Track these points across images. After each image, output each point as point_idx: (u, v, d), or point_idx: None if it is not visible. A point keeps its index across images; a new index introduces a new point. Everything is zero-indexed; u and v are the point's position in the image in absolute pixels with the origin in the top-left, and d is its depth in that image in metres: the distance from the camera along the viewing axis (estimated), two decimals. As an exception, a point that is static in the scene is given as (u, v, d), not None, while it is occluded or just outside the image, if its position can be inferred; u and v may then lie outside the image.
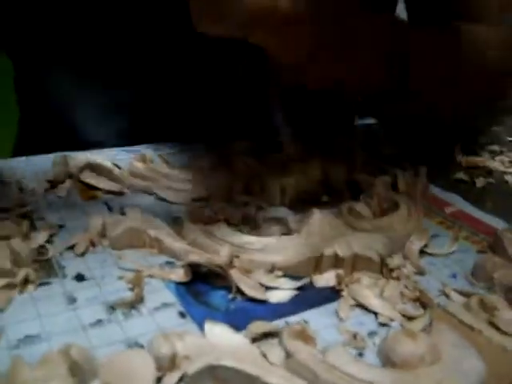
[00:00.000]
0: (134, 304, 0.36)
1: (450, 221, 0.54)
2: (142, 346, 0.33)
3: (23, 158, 0.58)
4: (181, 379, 0.30)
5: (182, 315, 0.36)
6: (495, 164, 0.70)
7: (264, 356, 0.31)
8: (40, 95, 0.69)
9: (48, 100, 0.68)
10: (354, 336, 0.35)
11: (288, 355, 0.31)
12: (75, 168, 0.54)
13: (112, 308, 0.36)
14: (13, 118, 0.71)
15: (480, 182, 0.64)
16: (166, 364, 0.30)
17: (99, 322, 0.35)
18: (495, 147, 0.77)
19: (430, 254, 0.47)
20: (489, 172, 0.68)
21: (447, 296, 0.41)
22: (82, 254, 0.41)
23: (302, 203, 0.51)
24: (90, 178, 0.53)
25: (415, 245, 0.46)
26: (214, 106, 0.70)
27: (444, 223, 0.53)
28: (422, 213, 0.52)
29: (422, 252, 0.47)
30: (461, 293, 0.41)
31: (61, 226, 0.45)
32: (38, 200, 0.50)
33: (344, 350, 0.33)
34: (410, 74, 0.58)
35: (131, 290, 0.38)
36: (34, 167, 0.55)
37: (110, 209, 0.49)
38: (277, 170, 0.54)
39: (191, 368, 0.30)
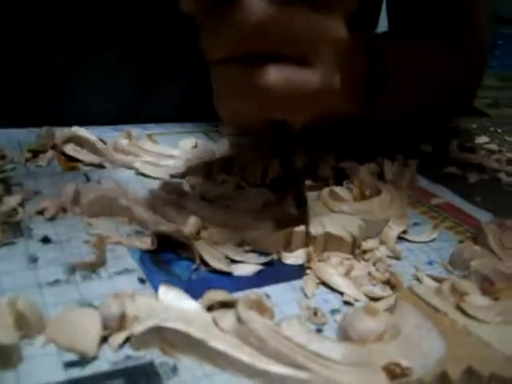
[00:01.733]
0: (95, 267, 0.36)
1: (435, 211, 0.53)
2: (95, 308, 0.32)
3: (8, 129, 0.57)
4: (127, 339, 0.30)
5: (142, 281, 0.35)
6: (490, 162, 0.69)
7: (215, 322, 0.30)
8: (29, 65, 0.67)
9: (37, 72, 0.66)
10: (315, 312, 0.35)
11: (240, 323, 0.31)
12: (59, 140, 0.53)
13: (72, 269, 0.35)
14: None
15: (473, 177, 0.63)
16: (115, 324, 0.30)
17: (56, 281, 0.34)
18: (493, 146, 0.76)
19: (409, 241, 0.46)
20: (483, 169, 0.67)
21: (419, 281, 0.40)
22: (52, 219, 0.41)
23: (283, 185, 0.50)
24: (72, 150, 0.53)
25: (393, 230, 0.45)
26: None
27: (428, 213, 0.52)
28: (405, 201, 0.51)
29: (401, 238, 0.46)
30: (434, 278, 0.40)
31: (36, 193, 0.45)
32: (17, 168, 0.49)
33: (299, 322, 0.32)
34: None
35: (95, 254, 0.37)
36: (18, 138, 0.55)
37: (88, 180, 0.49)
38: (260, 150, 0.53)
39: (138, 328, 0.29)
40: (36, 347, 0.29)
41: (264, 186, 0.50)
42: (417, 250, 0.45)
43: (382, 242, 0.44)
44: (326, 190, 0.48)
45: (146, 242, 0.39)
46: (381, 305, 0.36)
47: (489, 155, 0.72)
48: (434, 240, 0.47)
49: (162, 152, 0.52)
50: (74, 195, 0.43)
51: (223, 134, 0.62)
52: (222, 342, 0.29)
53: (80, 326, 0.30)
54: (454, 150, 0.72)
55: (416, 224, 0.49)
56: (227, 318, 0.31)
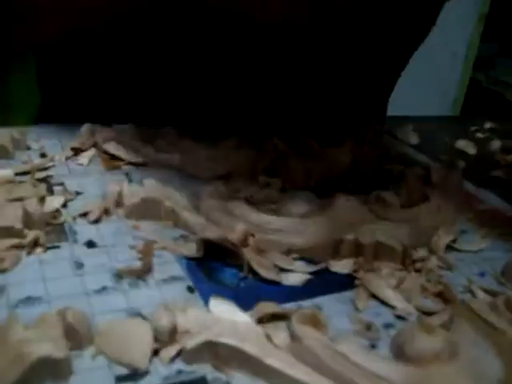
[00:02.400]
0: (142, 274, 0.35)
1: (482, 218, 0.51)
2: (144, 317, 0.31)
3: (49, 126, 0.57)
4: (179, 353, 0.29)
5: (191, 290, 0.35)
6: (536, 165, 0.67)
7: (268, 337, 0.30)
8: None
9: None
10: (368, 327, 0.33)
11: (294, 339, 0.30)
12: (100, 138, 0.53)
13: (118, 276, 0.35)
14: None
15: (519, 181, 0.61)
16: (166, 336, 0.29)
17: (104, 289, 0.34)
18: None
19: (458, 250, 0.44)
20: (529, 173, 0.65)
21: (473, 293, 0.39)
22: (96, 222, 0.40)
23: (327, 189, 0.49)
24: (114, 149, 0.52)
25: (442, 238, 0.44)
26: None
27: (475, 220, 0.50)
28: (452, 207, 0.49)
29: (450, 247, 0.44)
30: (487, 291, 0.39)
31: (78, 193, 0.44)
32: (58, 166, 0.49)
33: (355, 339, 0.31)
34: None
35: (141, 260, 0.36)
36: (60, 135, 0.55)
37: (130, 180, 0.48)
38: (304, 152, 0.52)
39: (190, 343, 0.28)
40: (86, 360, 0.28)
41: (308, 190, 0.49)
42: (467, 259, 0.44)
43: (430, 251, 0.43)
44: (373, 195, 0.47)
45: (193, 249, 0.38)
46: (435, 320, 0.35)
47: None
48: (483, 249, 0.45)
49: (204, 153, 0.51)
50: (117, 197, 0.42)
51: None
52: (277, 360, 0.28)
53: (131, 338, 0.29)
54: (497, 151, 0.70)
55: (463, 232, 0.47)
56: (280, 334, 0.30)
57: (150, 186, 0.44)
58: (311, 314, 0.32)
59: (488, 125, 0.81)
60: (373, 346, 0.32)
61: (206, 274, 0.36)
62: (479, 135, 0.76)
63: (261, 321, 0.32)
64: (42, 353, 0.26)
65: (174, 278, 0.35)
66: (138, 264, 0.36)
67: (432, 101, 1.92)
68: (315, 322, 0.31)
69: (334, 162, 0.53)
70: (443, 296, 0.37)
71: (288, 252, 0.39)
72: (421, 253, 0.41)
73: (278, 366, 0.28)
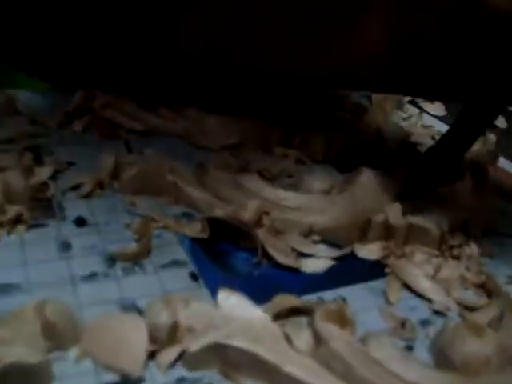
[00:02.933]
0: (138, 258, 0.30)
1: (522, 198, 0.46)
2: (139, 310, 0.27)
3: (43, 92, 0.51)
4: (180, 357, 0.24)
5: (194, 277, 0.30)
6: None
7: (288, 339, 0.25)
8: None
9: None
10: (402, 324, 0.28)
11: (319, 341, 0.25)
12: (97, 103, 0.47)
13: (111, 260, 0.30)
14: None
15: (556, 158, 0.56)
16: (164, 336, 0.24)
17: (93, 275, 0.29)
18: None
19: (498, 234, 0.39)
20: None
21: (519, 285, 0.34)
22: (87, 196, 0.35)
23: (349, 162, 0.44)
24: (112, 115, 0.47)
25: (481, 221, 0.39)
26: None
27: (515, 200, 0.45)
28: (489, 185, 0.44)
29: (489, 230, 0.39)
30: (535, 282, 0.34)
31: (70, 164, 0.39)
32: (49, 134, 0.44)
33: (390, 340, 0.26)
34: None
35: (137, 241, 0.31)
36: (53, 100, 0.49)
37: (129, 150, 0.43)
38: (323, 121, 0.47)
39: (194, 344, 0.23)
40: (69, 363, 0.24)
41: (328, 163, 0.44)
42: (508, 244, 0.38)
43: (468, 235, 0.38)
44: (401, 170, 0.42)
45: (197, 229, 0.33)
46: (481, 317, 0.30)
47: None
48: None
49: (211, 120, 0.46)
50: (113, 168, 0.37)
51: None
52: (298, 367, 0.23)
53: (122, 337, 0.24)
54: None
55: (503, 213, 0.42)
56: (302, 334, 0.25)
57: (150, 157, 0.38)
58: (337, 309, 0.27)
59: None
60: (409, 348, 0.27)
61: (212, 259, 0.31)
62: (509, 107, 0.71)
63: (278, 317, 0.27)
64: (13, 357, 0.21)
65: (175, 263, 0.30)
66: (133, 246, 0.31)
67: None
68: (342, 318, 0.27)
69: (356, 133, 0.47)
70: (486, 287, 0.32)
71: (308, 233, 0.34)
72: (458, 236, 0.36)
73: (299, 374, 0.23)
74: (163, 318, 0.24)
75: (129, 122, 0.45)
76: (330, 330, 0.25)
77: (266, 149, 0.44)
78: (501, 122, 0.64)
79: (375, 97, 0.57)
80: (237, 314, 0.25)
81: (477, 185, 0.42)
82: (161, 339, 0.24)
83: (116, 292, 0.28)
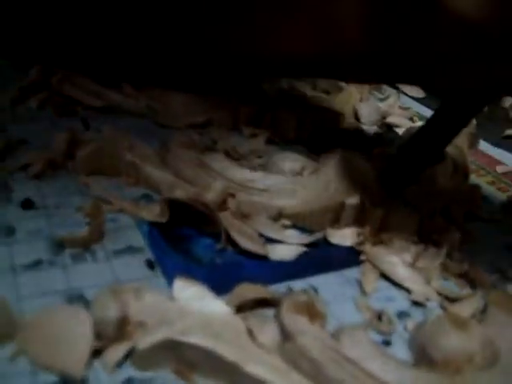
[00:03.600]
0: (89, 243, 0.27)
1: (503, 181, 0.44)
2: (87, 302, 0.24)
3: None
4: (129, 355, 0.21)
5: (151, 265, 0.27)
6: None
7: (251, 334, 0.22)
8: None
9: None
10: (379, 316, 0.26)
11: (285, 336, 0.22)
12: (55, 79, 0.44)
13: (59, 246, 0.27)
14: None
15: (537, 142, 0.54)
16: (112, 332, 0.21)
17: (38, 263, 0.26)
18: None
19: (479, 219, 0.37)
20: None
21: (503, 274, 0.31)
22: (37, 177, 0.32)
23: (323, 142, 0.41)
24: (70, 90, 0.43)
25: (462, 205, 0.37)
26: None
27: (495, 184, 0.43)
28: (469, 168, 0.42)
29: (469, 214, 0.37)
30: (520, 271, 0.32)
31: (21, 142, 0.36)
32: (2, 110, 0.40)
33: (365, 335, 0.23)
34: None
35: (89, 225, 0.28)
36: (8, 76, 0.46)
37: (86, 127, 0.40)
38: (295, 100, 0.44)
39: (144, 341, 0.21)
40: (2, 362, 0.21)
41: (300, 143, 0.41)
42: (489, 230, 0.36)
43: (449, 220, 0.35)
44: (378, 151, 0.39)
45: (156, 212, 0.30)
46: (463, 309, 0.27)
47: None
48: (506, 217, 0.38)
49: (175, 98, 0.43)
50: (67, 147, 0.34)
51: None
52: (261, 366, 0.20)
53: (64, 333, 0.21)
54: (510, 108, 0.62)
55: (484, 197, 0.40)
56: (267, 328, 0.23)
57: (108, 135, 0.35)
58: (307, 299, 0.24)
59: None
60: (386, 343, 0.25)
61: (171, 245, 0.28)
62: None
63: (241, 309, 0.24)
64: None
65: (130, 249, 0.28)
66: (84, 230, 0.28)
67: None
68: (312, 310, 0.24)
69: (330, 112, 0.45)
70: (468, 277, 0.30)
71: (277, 217, 0.31)
72: (439, 221, 0.34)
73: (261, 373, 0.20)
74: (111, 311, 0.21)
75: (88, 99, 0.42)
76: (297, 323, 0.23)
77: (234, 128, 0.41)
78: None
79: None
80: (194, 307, 0.23)
81: (457, 168, 0.40)
82: (107, 335, 0.21)
83: (62, 282, 0.25)
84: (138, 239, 0.28)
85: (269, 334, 0.22)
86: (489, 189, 0.42)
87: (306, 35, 0.33)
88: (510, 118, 0.59)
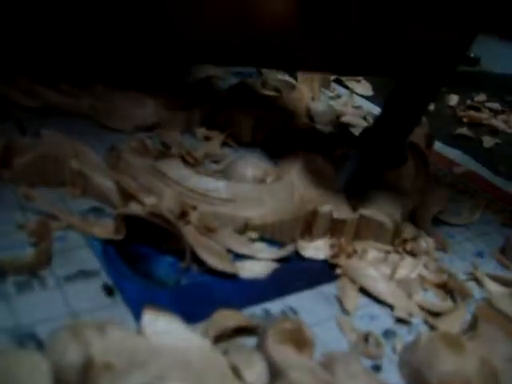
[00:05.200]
0: (36, 268, 0.24)
1: (462, 183, 0.43)
2: (39, 343, 0.20)
3: None
4: (96, 407, 0.18)
5: (109, 291, 0.24)
6: (499, 123, 0.59)
7: (236, 372, 0.19)
8: None
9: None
10: (366, 338, 0.24)
11: (275, 372, 0.19)
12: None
13: (1, 273, 0.23)
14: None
15: (487, 141, 0.54)
16: (74, 379, 0.18)
17: (-25, 295, 0.22)
18: (496, 105, 0.66)
19: (445, 223, 0.36)
20: (493, 131, 0.57)
21: (479, 283, 0.30)
22: (-32, 189, 0.28)
23: (279, 145, 0.39)
24: (1, 89, 0.39)
25: (428, 209, 0.35)
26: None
27: (455, 186, 0.42)
28: (430, 169, 0.41)
29: (437, 221, 0.36)
30: (496, 279, 0.30)
31: None
32: None
33: (359, 364, 0.21)
34: None
35: (34, 246, 0.25)
36: None
37: (22, 131, 0.36)
38: (249, 99, 0.42)
39: (115, 389, 0.17)
40: None
41: (256, 145, 0.39)
42: (458, 235, 0.35)
43: (417, 226, 0.34)
44: (338, 152, 0.37)
45: (109, 228, 0.27)
46: (449, 324, 0.26)
47: (493, 115, 0.63)
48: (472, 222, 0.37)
49: (122, 98, 0.39)
50: (1, 154, 0.30)
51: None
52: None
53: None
54: (457, 107, 0.62)
55: (450, 201, 0.39)
56: (253, 365, 0.20)
57: (49, 139, 0.31)
58: (292, 326, 0.21)
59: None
60: (377, 368, 0.23)
61: (130, 266, 0.25)
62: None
63: (218, 339, 0.21)
64: None
65: (83, 274, 0.24)
66: (29, 252, 0.24)
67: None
68: (299, 338, 0.21)
69: (285, 112, 0.42)
70: (447, 287, 0.28)
71: (242, 230, 0.29)
72: (410, 229, 0.32)
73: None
74: (72, 354, 0.18)
75: (22, 98, 0.38)
76: (286, 355, 0.20)
77: (186, 130, 0.38)
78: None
79: (300, 73, 0.52)
80: (167, 343, 0.20)
81: (418, 169, 0.39)
82: (70, 383, 0.18)
83: (7, 317, 0.21)
84: (91, 261, 0.25)
85: (255, 370, 0.20)
86: (449, 191, 0.41)
87: (226, 16, 0.32)
88: (457, 116, 0.59)
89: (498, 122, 0.59)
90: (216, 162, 0.35)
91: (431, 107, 0.59)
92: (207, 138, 0.37)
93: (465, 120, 0.58)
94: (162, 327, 0.20)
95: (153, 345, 0.19)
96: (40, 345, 0.20)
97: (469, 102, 0.65)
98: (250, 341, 0.22)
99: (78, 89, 0.39)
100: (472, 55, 0.89)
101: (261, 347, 0.21)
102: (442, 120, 0.57)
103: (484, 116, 0.60)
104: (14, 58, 0.40)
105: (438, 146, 0.49)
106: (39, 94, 0.38)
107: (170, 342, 0.20)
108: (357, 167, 0.34)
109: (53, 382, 0.18)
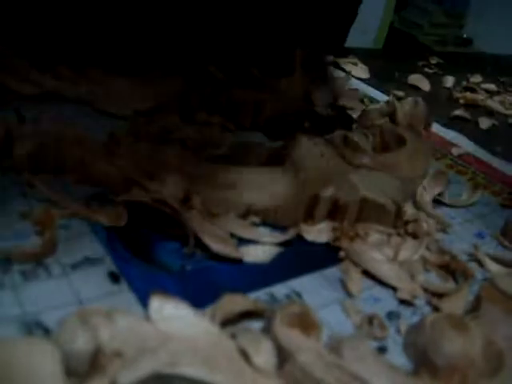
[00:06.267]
0: (41, 257, 0.24)
1: (460, 164, 0.43)
2: (46, 330, 0.20)
3: None
4: (107, 392, 0.18)
5: (115, 278, 0.24)
6: (496, 105, 0.59)
7: (245, 355, 0.19)
8: None
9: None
10: (370, 320, 0.24)
11: (284, 355, 0.20)
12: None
13: (5, 262, 0.23)
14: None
15: (484, 122, 0.54)
16: (85, 366, 0.18)
17: (-18, 284, 0.22)
18: (492, 86, 0.66)
19: (446, 205, 0.36)
20: (490, 112, 0.58)
21: (480, 263, 0.30)
22: (-30, 178, 0.28)
23: (280, 128, 0.39)
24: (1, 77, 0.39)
25: (429, 191, 0.35)
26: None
27: (454, 167, 0.42)
28: (430, 151, 0.41)
29: (435, 201, 0.36)
30: (497, 260, 0.31)
31: None
32: None
33: (367, 347, 0.21)
34: None
35: (39, 234, 0.25)
36: None
37: (20, 119, 0.35)
38: (249, 83, 0.41)
39: (127, 375, 0.18)
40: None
41: (256, 129, 0.39)
42: (458, 216, 0.35)
43: (417, 208, 0.34)
44: (338, 135, 0.37)
45: (113, 215, 0.27)
46: (453, 305, 0.26)
47: (490, 96, 0.63)
48: (472, 203, 0.37)
49: (120, 83, 0.39)
50: (3, 142, 0.30)
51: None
52: (263, 395, 0.18)
53: (27, 372, 0.18)
54: (453, 89, 0.62)
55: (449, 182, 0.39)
56: (261, 348, 0.20)
57: (49, 126, 0.31)
58: (300, 311, 0.22)
59: (435, 60, 0.74)
60: (382, 349, 0.23)
61: (134, 252, 0.25)
62: (428, 70, 0.69)
63: (225, 324, 0.21)
64: None
65: (89, 261, 0.24)
66: (34, 241, 0.24)
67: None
68: (306, 321, 0.22)
69: (284, 95, 0.42)
70: (450, 268, 0.29)
71: (245, 214, 0.29)
72: (411, 211, 0.32)
73: (264, 403, 0.18)
74: (81, 341, 0.18)
75: (19, 85, 0.38)
76: (294, 339, 0.20)
77: (184, 114, 0.38)
78: (425, 85, 0.61)
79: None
80: (175, 328, 0.20)
81: (417, 151, 0.39)
82: (80, 370, 0.18)
83: (14, 306, 0.21)
84: (95, 248, 0.25)
85: (264, 354, 0.20)
86: (449, 172, 0.41)
87: None
88: (454, 97, 0.59)
89: (494, 103, 0.59)
90: (218, 147, 0.35)
91: (427, 88, 0.59)
92: (207, 123, 0.37)
93: (461, 101, 0.58)
94: (170, 313, 0.20)
95: (161, 331, 0.19)
96: (47, 332, 0.20)
97: (464, 83, 0.65)
98: (256, 325, 0.22)
99: (75, 74, 0.39)
100: (465, 36, 0.89)
101: (268, 331, 0.21)
102: (438, 102, 0.57)
103: (480, 97, 0.60)
104: (11, 42, 0.39)
105: (435, 127, 0.49)
106: (36, 81, 0.38)
107: (179, 327, 0.20)
108: None
109: (63, 370, 0.18)
